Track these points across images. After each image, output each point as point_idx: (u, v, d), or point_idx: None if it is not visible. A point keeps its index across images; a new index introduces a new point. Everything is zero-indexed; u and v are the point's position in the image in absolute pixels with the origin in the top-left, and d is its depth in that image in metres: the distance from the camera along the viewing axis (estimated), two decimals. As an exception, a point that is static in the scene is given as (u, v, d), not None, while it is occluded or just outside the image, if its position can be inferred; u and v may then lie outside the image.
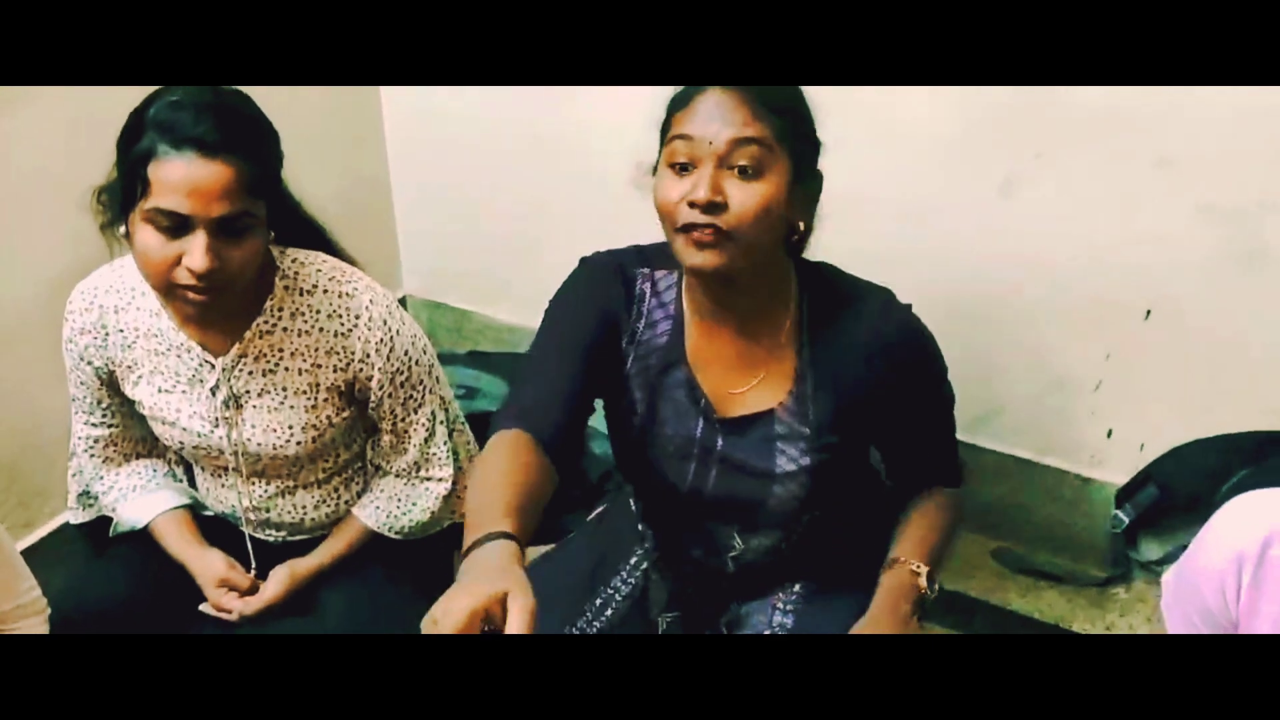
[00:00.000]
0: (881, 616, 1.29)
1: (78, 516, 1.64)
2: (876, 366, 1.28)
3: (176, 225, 1.24)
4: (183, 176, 1.22)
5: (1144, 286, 1.84)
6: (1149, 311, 1.84)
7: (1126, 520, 1.90)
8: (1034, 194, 1.85)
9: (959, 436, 1.45)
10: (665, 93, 1.25)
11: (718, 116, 1.18)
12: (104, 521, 1.61)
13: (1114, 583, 1.99)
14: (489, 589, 0.95)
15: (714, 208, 1.17)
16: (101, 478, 1.57)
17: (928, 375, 1.36)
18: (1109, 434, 1.96)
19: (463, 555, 1.05)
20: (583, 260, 1.38)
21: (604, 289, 1.35)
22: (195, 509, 1.59)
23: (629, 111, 1.84)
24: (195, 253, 1.24)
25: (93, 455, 1.56)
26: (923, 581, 1.33)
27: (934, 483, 1.43)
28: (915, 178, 1.90)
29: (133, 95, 1.28)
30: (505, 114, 2.28)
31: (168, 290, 1.29)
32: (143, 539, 1.55)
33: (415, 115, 2.42)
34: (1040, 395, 1.99)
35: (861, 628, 1.29)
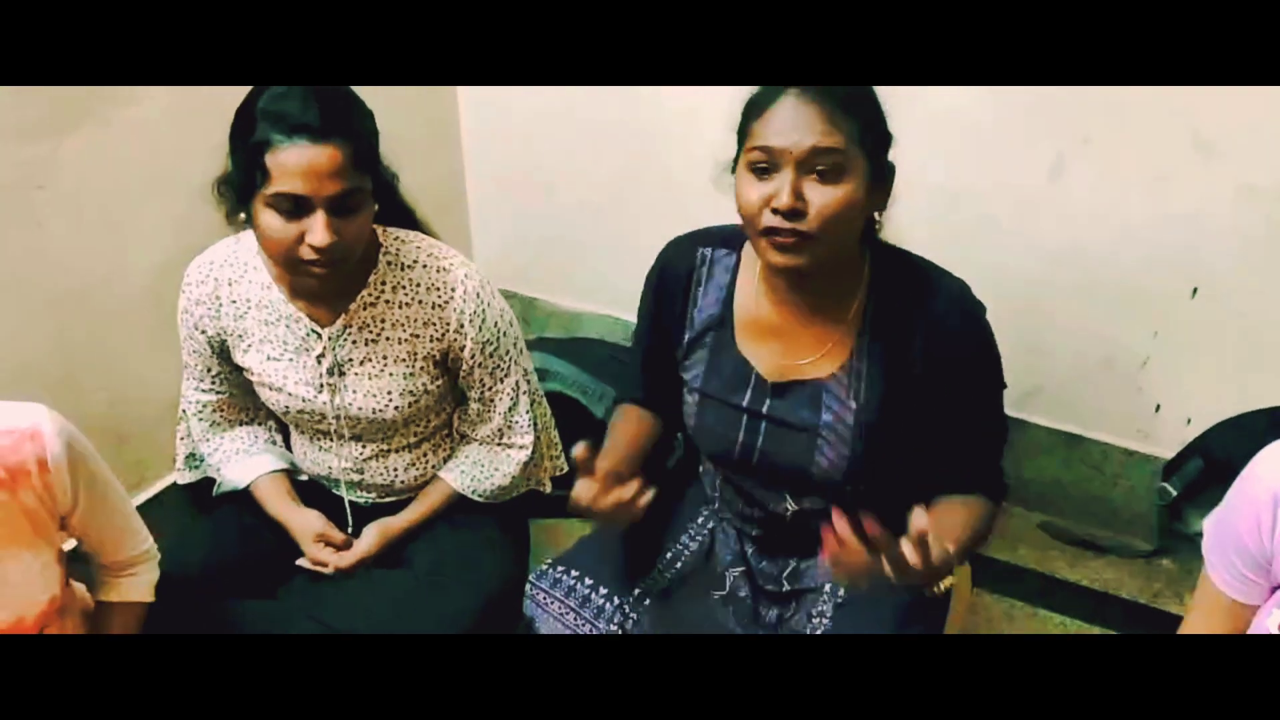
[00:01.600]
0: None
1: (184, 477, 1.75)
2: (930, 354, 1.32)
3: (296, 207, 1.33)
4: (298, 161, 1.31)
5: (1187, 266, 1.89)
6: (1195, 290, 1.90)
7: (1174, 493, 1.94)
8: (1079, 177, 1.91)
9: (1008, 412, 1.43)
10: (732, 92, 1.28)
11: (797, 124, 1.20)
12: (208, 483, 1.72)
13: (1160, 554, 2.03)
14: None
15: (795, 214, 1.22)
16: (208, 440, 1.68)
17: (980, 371, 1.36)
18: (1157, 409, 2.01)
19: None
20: (666, 245, 1.49)
21: (665, 282, 1.46)
22: (292, 473, 1.70)
23: (696, 109, 1.92)
24: (316, 230, 1.33)
25: (201, 419, 1.67)
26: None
27: (975, 488, 1.39)
28: (963, 162, 1.97)
29: (230, 93, 1.37)
30: (575, 111, 2.37)
31: (292, 267, 1.39)
32: (243, 499, 1.66)
33: (490, 113, 2.51)
34: (1088, 372, 2.04)
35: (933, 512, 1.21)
